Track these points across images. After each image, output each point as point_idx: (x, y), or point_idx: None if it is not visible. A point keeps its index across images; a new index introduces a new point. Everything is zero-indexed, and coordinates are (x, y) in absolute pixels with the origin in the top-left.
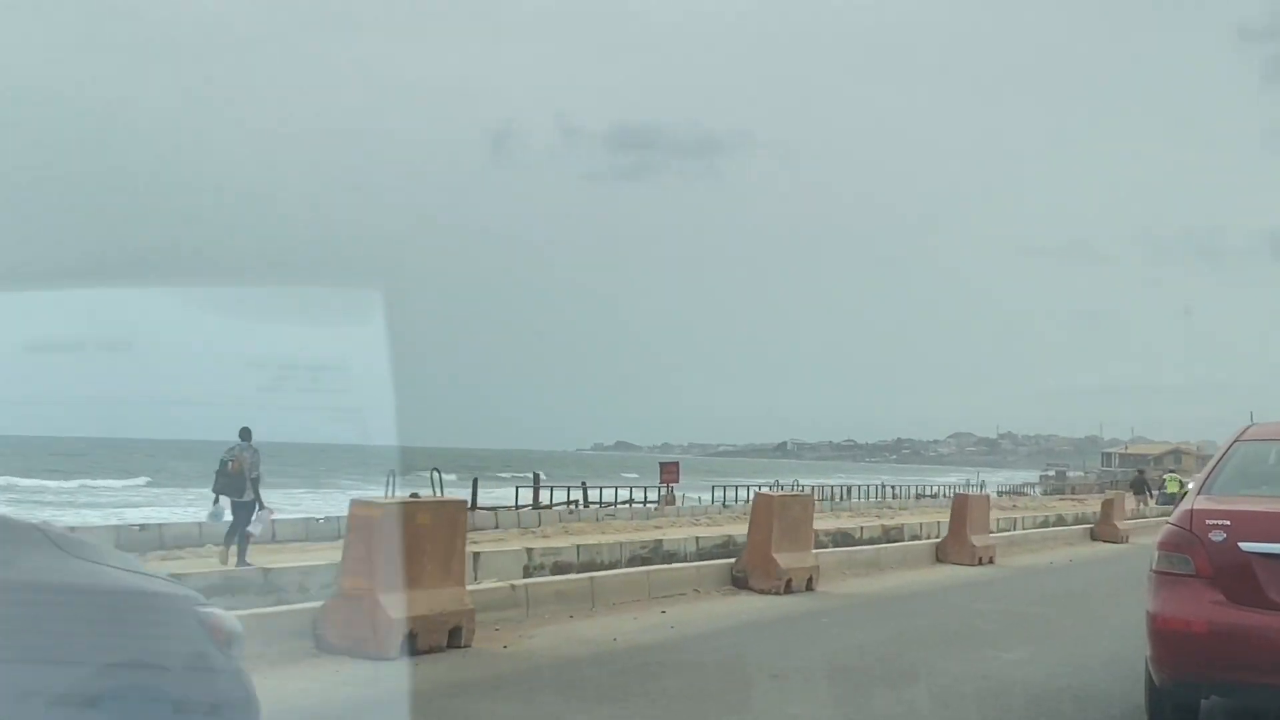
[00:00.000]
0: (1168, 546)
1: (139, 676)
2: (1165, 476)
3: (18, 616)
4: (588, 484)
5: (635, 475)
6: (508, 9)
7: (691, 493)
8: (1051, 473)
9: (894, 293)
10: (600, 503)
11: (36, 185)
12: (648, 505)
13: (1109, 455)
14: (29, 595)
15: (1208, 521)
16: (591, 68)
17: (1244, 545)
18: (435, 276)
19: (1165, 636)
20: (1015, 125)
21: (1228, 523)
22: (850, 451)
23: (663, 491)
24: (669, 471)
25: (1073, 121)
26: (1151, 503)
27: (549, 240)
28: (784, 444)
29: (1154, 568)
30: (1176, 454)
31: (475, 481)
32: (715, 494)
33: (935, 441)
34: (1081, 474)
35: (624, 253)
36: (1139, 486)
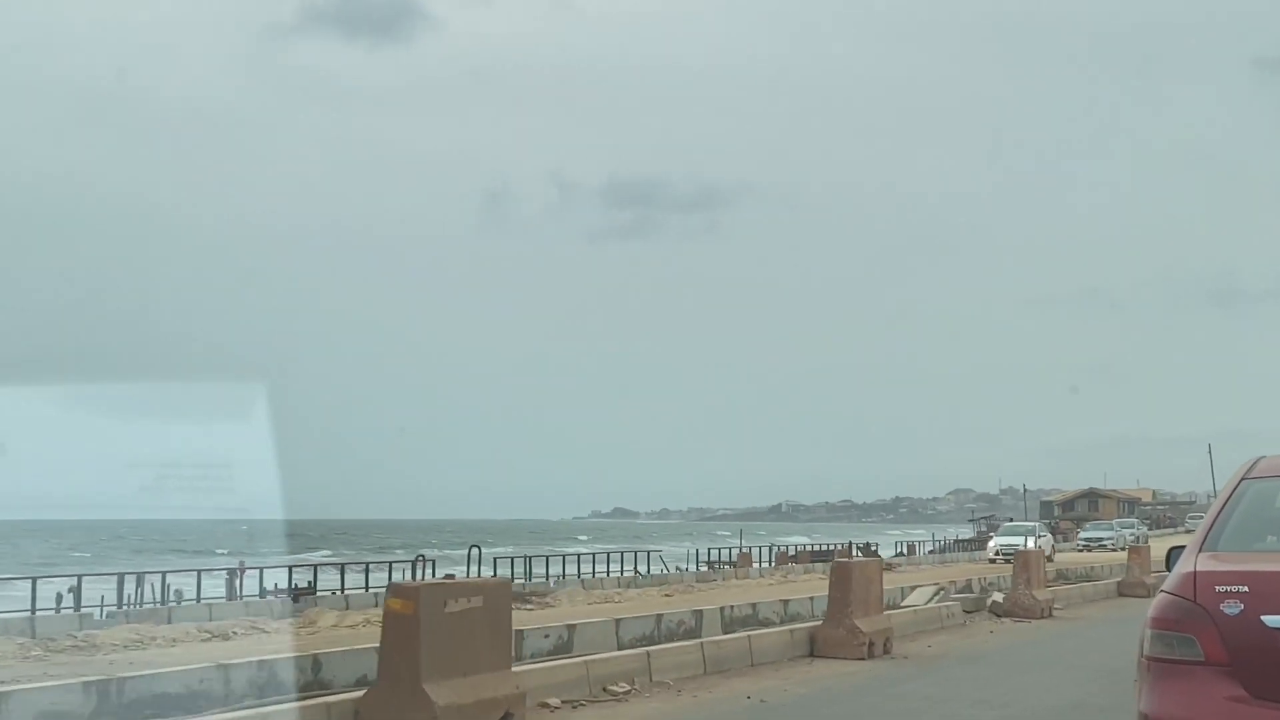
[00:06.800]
0: (1164, 623)
1: None
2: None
3: None
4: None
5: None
6: (498, 70)
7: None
8: (984, 527)
9: (897, 347)
10: None
11: None
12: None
13: (1049, 504)
14: None
15: (1217, 588)
16: (586, 124)
17: (1269, 620)
18: (430, 345)
19: None
20: (1024, 172)
21: (1244, 588)
22: (847, 511)
23: None
24: None
25: (1083, 165)
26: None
27: (545, 303)
28: (778, 505)
29: (1146, 653)
30: (1092, 498)
31: None
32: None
33: (934, 499)
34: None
35: (622, 313)
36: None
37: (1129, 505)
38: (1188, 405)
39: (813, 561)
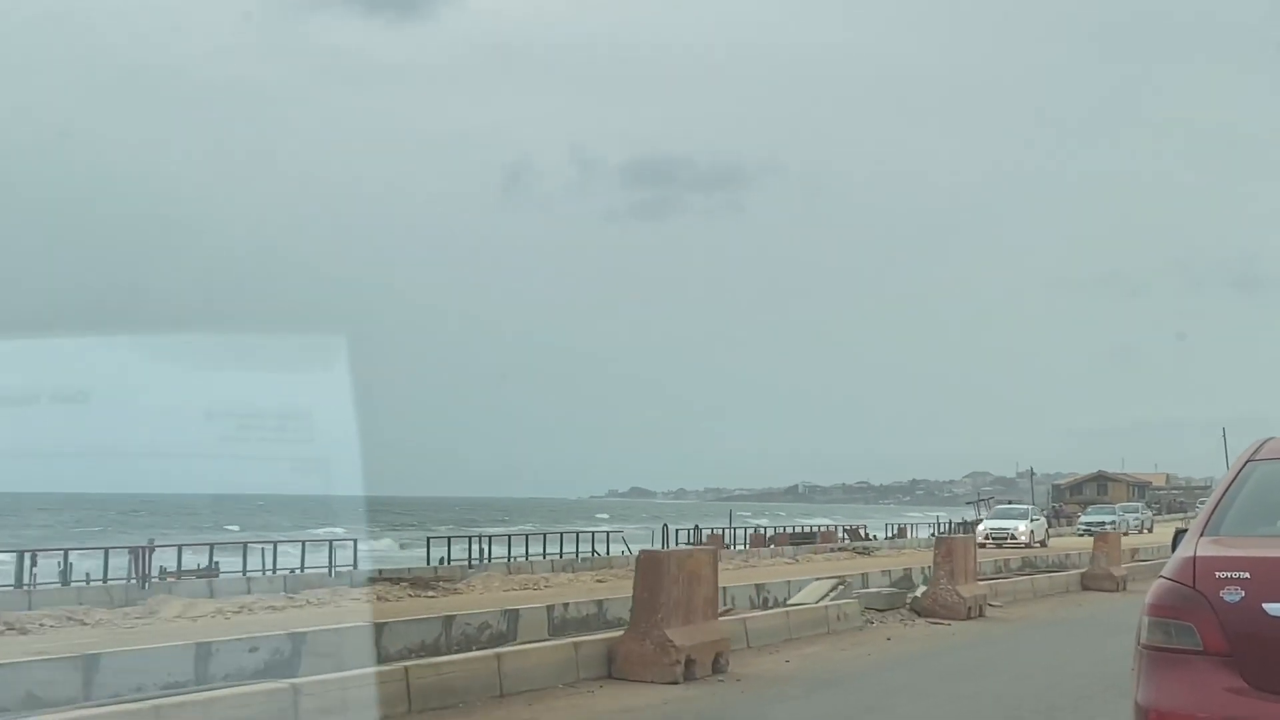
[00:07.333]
0: (1162, 610)
1: None
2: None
3: None
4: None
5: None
6: (521, 46)
7: None
8: (983, 509)
9: (916, 329)
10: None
11: None
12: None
13: (1060, 488)
14: None
15: (1218, 574)
16: (608, 101)
17: (1271, 607)
18: (444, 324)
19: None
20: (1044, 156)
21: (1246, 575)
22: (864, 493)
23: None
24: None
25: (1104, 149)
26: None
27: (562, 282)
28: (794, 486)
29: (1143, 641)
30: (1101, 481)
31: None
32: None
33: (951, 481)
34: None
35: (641, 292)
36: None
37: (1139, 489)
38: (1207, 390)
39: (792, 544)
